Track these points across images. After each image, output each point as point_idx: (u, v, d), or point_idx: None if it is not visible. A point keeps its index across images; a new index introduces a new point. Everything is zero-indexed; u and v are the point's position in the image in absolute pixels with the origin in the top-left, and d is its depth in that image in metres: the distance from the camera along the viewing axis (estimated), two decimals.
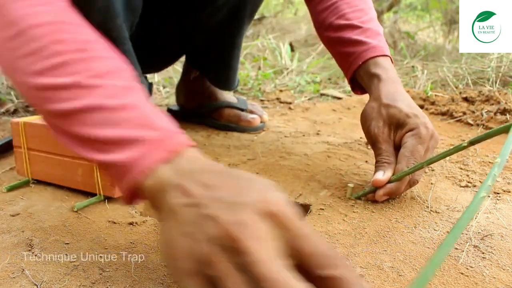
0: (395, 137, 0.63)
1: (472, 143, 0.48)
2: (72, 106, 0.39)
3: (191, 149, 0.37)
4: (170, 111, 1.13)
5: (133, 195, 0.38)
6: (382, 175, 0.59)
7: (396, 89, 0.65)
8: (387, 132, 0.63)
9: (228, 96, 1.07)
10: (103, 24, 0.57)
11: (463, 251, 0.49)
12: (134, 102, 0.39)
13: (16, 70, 0.43)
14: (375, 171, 0.61)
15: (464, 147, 0.49)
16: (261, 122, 1.02)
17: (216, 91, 1.05)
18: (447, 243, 0.31)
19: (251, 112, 1.04)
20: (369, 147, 0.84)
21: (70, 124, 0.39)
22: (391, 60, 0.71)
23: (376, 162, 0.63)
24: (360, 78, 0.71)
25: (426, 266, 0.30)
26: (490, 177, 0.35)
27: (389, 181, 0.59)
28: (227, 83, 1.01)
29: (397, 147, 0.63)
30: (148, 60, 0.91)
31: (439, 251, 0.31)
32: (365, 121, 0.66)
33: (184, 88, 1.10)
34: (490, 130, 0.46)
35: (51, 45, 0.40)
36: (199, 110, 1.06)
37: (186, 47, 0.98)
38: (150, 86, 0.98)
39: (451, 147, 0.53)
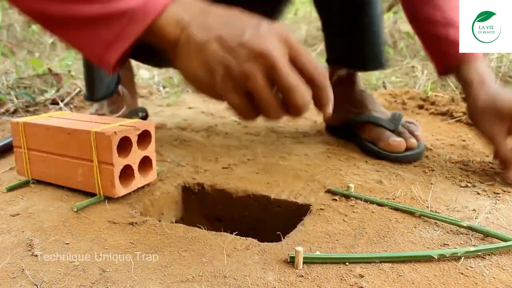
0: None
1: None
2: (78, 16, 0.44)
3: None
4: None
5: (129, 49, 0.44)
6: None
7: (493, 86, 0.69)
8: (504, 127, 0.67)
9: (380, 108, 0.91)
10: None
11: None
12: None
13: None
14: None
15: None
16: (408, 148, 0.80)
17: (365, 102, 0.90)
18: None
19: (399, 134, 0.83)
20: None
21: (63, 25, 0.45)
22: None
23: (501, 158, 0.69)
24: (457, 77, 0.74)
25: None
26: None
27: None
28: (366, 60, 0.88)
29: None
30: None
31: None
32: (477, 120, 0.71)
33: None
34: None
35: None
36: (345, 125, 0.91)
37: None
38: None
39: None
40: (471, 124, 1.05)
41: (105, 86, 0.94)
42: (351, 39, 0.87)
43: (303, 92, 0.41)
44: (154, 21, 0.42)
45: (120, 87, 0.97)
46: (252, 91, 0.41)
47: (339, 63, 0.93)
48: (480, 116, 0.70)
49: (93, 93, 0.95)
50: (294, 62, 0.41)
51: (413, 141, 0.80)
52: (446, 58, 0.71)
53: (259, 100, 0.41)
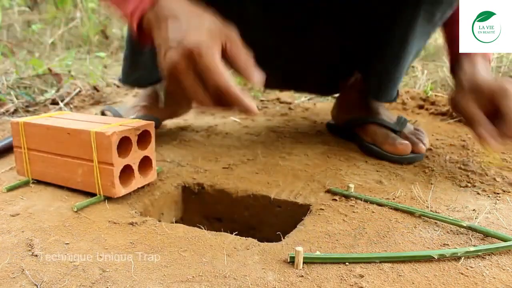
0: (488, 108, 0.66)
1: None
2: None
3: None
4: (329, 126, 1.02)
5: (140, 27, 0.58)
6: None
7: (477, 71, 0.69)
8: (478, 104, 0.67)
9: (385, 112, 0.91)
10: None
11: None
12: None
13: None
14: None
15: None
16: (414, 152, 0.79)
17: (372, 104, 0.91)
18: None
19: (406, 137, 0.82)
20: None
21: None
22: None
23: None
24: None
25: None
26: None
27: None
28: (380, 93, 0.86)
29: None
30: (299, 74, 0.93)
31: None
32: (454, 104, 0.72)
33: (338, 98, 1.00)
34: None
35: None
36: (347, 125, 0.92)
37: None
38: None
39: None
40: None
41: (144, 75, 0.92)
42: (377, 66, 0.83)
43: (220, 73, 0.50)
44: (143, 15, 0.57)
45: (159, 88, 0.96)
46: (176, 77, 0.52)
47: (359, 70, 0.92)
48: (460, 96, 0.70)
49: (130, 75, 0.93)
50: (227, 54, 0.53)
51: (421, 146, 0.79)
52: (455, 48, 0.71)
53: (183, 85, 0.52)
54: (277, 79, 0.99)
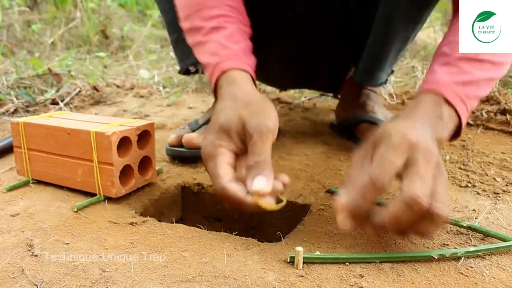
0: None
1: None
2: (192, 42, 0.65)
3: (231, 74, 0.57)
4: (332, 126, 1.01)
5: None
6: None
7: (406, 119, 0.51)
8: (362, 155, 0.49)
9: (381, 110, 0.90)
10: None
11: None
12: (214, 38, 0.60)
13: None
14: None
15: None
16: None
17: (367, 103, 0.90)
18: None
19: None
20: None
21: (195, 52, 0.65)
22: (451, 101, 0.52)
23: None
24: None
25: None
26: None
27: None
28: (366, 75, 0.83)
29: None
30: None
31: None
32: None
33: (340, 97, 1.00)
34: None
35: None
36: (343, 124, 0.92)
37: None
38: None
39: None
40: (470, 124, 1.05)
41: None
42: (372, 52, 0.80)
43: (219, 178, 0.49)
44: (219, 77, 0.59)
45: None
46: None
47: (354, 62, 0.90)
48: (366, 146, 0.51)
49: (184, 60, 0.88)
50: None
51: None
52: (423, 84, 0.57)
53: None
54: (284, 76, 0.98)
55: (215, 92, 0.60)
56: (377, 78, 0.85)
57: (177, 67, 1.85)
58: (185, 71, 0.89)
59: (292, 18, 0.82)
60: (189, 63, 0.87)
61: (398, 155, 0.44)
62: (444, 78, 0.53)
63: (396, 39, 0.77)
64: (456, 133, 0.54)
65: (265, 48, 0.67)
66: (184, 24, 0.66)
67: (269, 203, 0.47)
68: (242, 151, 0.51)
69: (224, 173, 0.48)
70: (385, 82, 0.88)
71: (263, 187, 0.46)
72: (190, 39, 0.65)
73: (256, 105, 0.52)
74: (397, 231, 0.44)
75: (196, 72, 0.88)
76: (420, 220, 0.43)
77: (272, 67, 0.90)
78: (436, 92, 0.52)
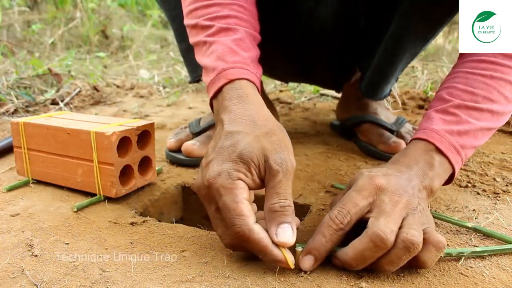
0: None
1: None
2: (194, 41, 0.58)
3: (239, 82, 0.51)
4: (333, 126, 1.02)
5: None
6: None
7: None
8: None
9: (383, 111, 0.90)
10: None
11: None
12: (222, 40, 0.55)
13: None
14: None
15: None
16: None
17: (370, 103, 0.90)
18: None
19: (402, 136, 0.83)
20: None
21: (195, 52, 0.59)
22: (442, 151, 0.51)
23: None
24: None
25: None
26: None
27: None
28: (372, 90, 0.84)
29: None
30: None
31: None
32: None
33: (341, 97, 1.00)
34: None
35: None
36: (345, 124, 0.92)
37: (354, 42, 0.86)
38: None
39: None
40: None
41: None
42: (380, 68, 0.80)
43: (240, 214, 0.42)
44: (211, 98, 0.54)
45: None
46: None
47: (359, 67, 0.89)
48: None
49: (195, 70, 0.85)
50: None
51: None
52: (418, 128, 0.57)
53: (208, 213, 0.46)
54: (285, 71, 0.97)
55: (213, 98, 0.53)
56: (383, 91, 0.86)
57: (177, 67, 1.85)
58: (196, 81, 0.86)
59: (297, 18, 0.82)
60: (201, 74, 0.83)
61: (362, 197, 0.45)
62: (439, 127, 0.52)
63: (404, 55, 0.77)
64: (448, 180, 0.53)
65: (267, 43, 0.62)
66: (188, 20, 0.59)
67: (290, 258, 0.42)
68: (257, 187, 0.45)
69: (249, 213, 0.42)
70: (388, 94, 0.89)
71: (289, 239, 0.42)
72: (192, 37, 0.59)
73: (277, 135, 0.47)
74: (361, 265, 0.43)
75: None
76: (389, 252, 0.42)
77: (274, 63, 0.89)
78: (429, 140, 0.52)
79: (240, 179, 0.43)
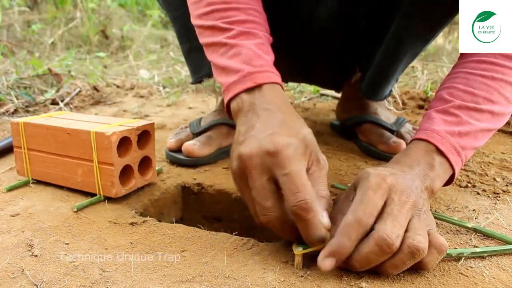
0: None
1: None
2: (210, 41, 0.57)
3: (267, 86, 0.52)
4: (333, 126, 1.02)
5: (227, 107, 0.55)
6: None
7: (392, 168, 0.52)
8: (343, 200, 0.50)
9: (383, 111, 0.90)
10: None
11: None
12: (245, 43, 0.55)
13: (191, 14, 0.62)
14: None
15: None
16: None
17: (370, 103, 0.90)
18: None
19: (402, 136, 0.83)
20: None
21: (207, 52, 0.59)
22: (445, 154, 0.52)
23: None
24: None
25: None
26: None
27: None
28: (372, 91, 0.85)
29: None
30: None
31: None
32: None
33: (341, 97, 1.00)
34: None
35: None
36: (345, 124, 0.93)
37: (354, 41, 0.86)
38: None
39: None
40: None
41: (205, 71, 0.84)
42: (381, 69, 0.81)
43: (305, 187, 0.43)
44: (228, 100, 0.54)
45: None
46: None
47: (359, 67, 0.89)
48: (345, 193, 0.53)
49: (198, 72, 0.84)
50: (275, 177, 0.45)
51: None
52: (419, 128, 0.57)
53: (251, 186, 0.46)
54: (285, 70, 0.97)
55: (233, 99, 0.53)
56: (383, 92, 0.86)
57: (177, 67, 1.85)
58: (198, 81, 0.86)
59: (297, 18, 0.81)
60: (204, 74, 0.83)
61: (379, 196, 0.44)
62: (440, 128, 0.52)
63: (405, 56, 0.77)
64: (448, 181, 0.53)
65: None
66: (202, 21, 0.59)
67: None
68: None
69: (311, 189, 0.44)
70: (389, 94, 0.89)
71: (329, 223, 0.44)
72: (206, 37, 0.58)
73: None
74: (365, 267, 0.43)
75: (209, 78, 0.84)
76: (394, 256, 0.42)
77: (274, 63, 0.88)
78: (430, 141, 0.52)
79: (305, 158, 0.46)
